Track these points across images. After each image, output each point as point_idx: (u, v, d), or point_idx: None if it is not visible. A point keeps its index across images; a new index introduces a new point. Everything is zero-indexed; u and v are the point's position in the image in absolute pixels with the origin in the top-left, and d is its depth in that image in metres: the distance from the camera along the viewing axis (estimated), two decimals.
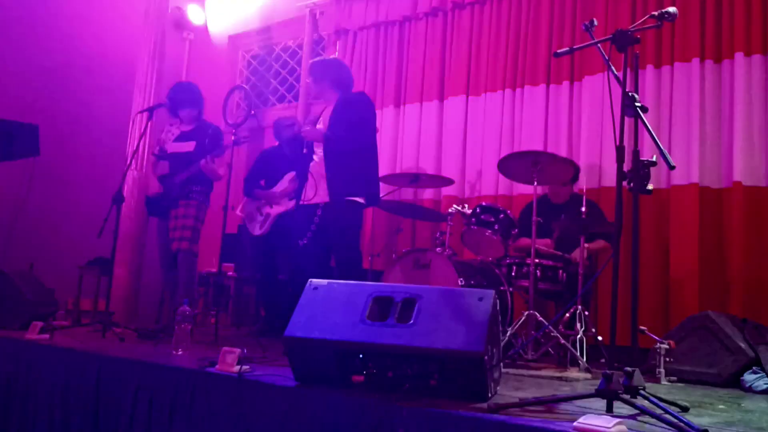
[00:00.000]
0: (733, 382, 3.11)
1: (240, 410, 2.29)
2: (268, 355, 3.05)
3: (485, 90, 5.15)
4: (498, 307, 2.25)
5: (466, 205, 4.21)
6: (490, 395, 2.12)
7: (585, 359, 3.30)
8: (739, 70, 4.03)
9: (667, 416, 1.81)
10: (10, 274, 4.13)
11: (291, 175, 4.75)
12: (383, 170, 4.93)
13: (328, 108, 3.91)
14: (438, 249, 4.01)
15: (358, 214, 3.82)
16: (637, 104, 2.17)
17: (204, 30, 7.51)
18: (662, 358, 3.14)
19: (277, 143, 5.03)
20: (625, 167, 2.14)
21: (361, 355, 2.19)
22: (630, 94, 2.17)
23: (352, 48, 5.99)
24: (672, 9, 2.29)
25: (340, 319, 2.25)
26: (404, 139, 5.51)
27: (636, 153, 2.15)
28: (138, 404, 2.58)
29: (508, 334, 3.51)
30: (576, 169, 4.09)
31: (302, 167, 4.09)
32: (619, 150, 2.14)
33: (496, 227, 3.90)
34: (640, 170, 2.12)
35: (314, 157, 3.89)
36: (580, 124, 4.65)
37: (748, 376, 3.05)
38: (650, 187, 2.14)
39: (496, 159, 5.01)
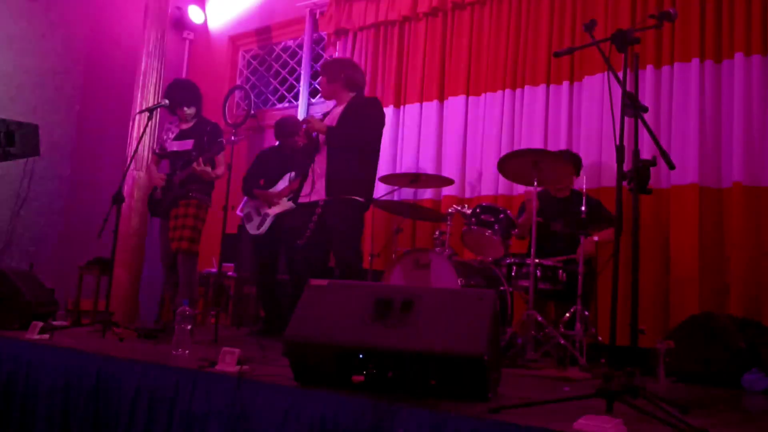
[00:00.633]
0: (733, 382, 3.11)
1: (240, 410, 2.29)
2: (268, 355, 3.05)
3: (485, 90, 5.16)
4: (498, 308, 2.25)
5: (466, 205, 4.21)
6: (490, 396, 2.12)
7: (585, 359, 3.30)
8: (739, 70, 4.03)
9: (667, 416, 1.81)
10: (10, 274, 4.12)
11: (290, 175, 4.74)
12: (383, 170, 4.93)
13: (339, 107, 3.89)
14: (438, 249, 4.01)
15: (358, 213, 3.80)
16: (637, 104, 2.16)
17: (204, 30, 7.51)
18: (662, 358, 3.14)
19: (276, 143, 5.02)
20: (625, 167, 2.14)
21: (361, 356, 2.19)
22: (630, 93, 2.17)
23: (352, 48, 6.00)
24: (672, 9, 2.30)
25: (341, 320, 2.25)
26: (404, 139, 5.52)
27: (636, 153, 2.15)
28: (138, 404, 2.58)
29: (508, 334, 3.51)
30: (576, 161, 4.11)
31: (302, 167, 4.08)
32: (619, 150, 2.14)
33: (496, 227, 3.90)
34: (640, 170, 2.12)
35: (316, 156, 3.86)
36: (579, 124, 4.65)
37: (748, 376, 3.05)
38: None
39: (496, 159, 5.01)
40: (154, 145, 4.67)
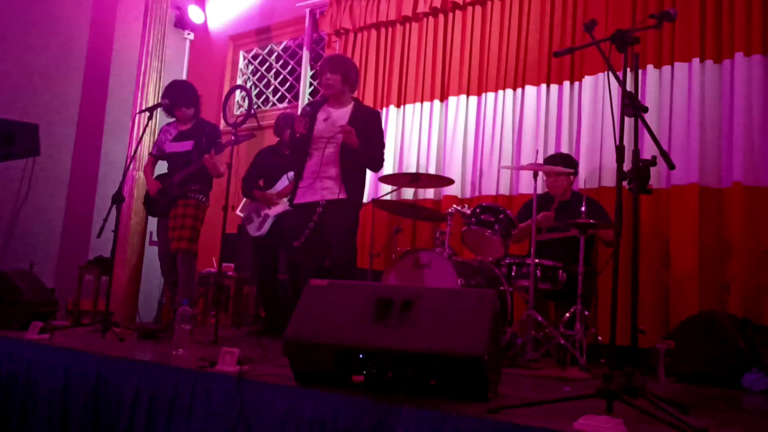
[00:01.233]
0: (733, 382, 3.11)
1: (240, 410, 2.29)
2: (268, 355, 3.05)
3: (485, 90, 5.15)
4: (498, 308, 2.25)
5: (466, 205, 4.21)
6: (490, 396, 2.12)
7: (585, 359, 3.30)
8: (739, 70, 4.02)
9: (667, 416, 1.81)
10: (10, 274, 4.12)
11: (290, 175, 4.73)
12: (383, 170, 4.93)
13: (340, 109, 3.84)
14: (438, 249, 4.01)
15: (357, 214, 3.81)
16: (637, 104, 2.16)
17: (204, 30, 7.51)
18: (662, 358, 3.14)
19: (273, 143, 5.00)
20: (625, 167, 2.14)
21: (361, 356, 2.19)
22: (630, 93, 2.17)
23: (352, 48, 6.00)
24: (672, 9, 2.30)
25: (340, 320, 2.25)
26: (404, 139, 5.52)
27: (636, 153, 2.15)
28: (138, 404, 2.58)
29: (508, 334, 3.51)
30: (573, 164, 4.15)
31: (300, 167, 4.07)
32: (619, 150, 2.14)
33: (496, 227, 3.90)
34: (640, 170, 2.12)
35: (313, 155, 3.82)
36: (580, 124, 4.64)
37: (748, 376, 3.05)
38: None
39: (496, 159, 5.03)
40: (152, 148, 4.66)
